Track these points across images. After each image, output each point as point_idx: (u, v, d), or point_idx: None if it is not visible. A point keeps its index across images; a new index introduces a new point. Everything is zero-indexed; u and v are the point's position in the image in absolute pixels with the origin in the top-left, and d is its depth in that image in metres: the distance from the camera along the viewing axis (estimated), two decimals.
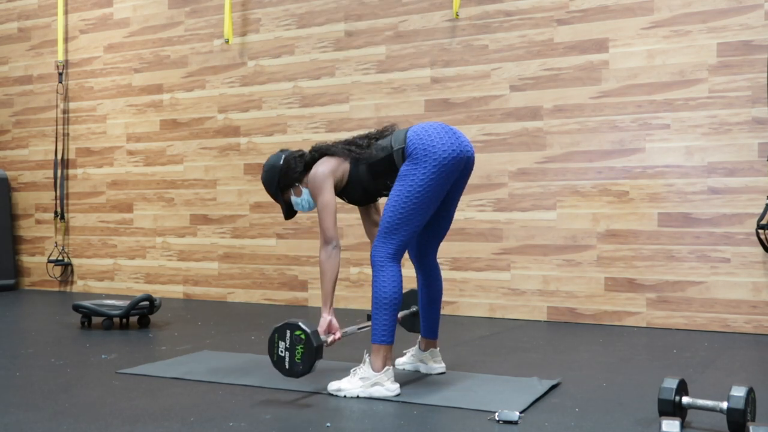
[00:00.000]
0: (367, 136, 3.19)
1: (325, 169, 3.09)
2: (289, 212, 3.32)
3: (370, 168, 3.11)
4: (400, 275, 3.00)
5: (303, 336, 2.83)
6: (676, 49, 4.87)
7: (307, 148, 5.92)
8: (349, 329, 3.25)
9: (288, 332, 2.85)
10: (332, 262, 3.02)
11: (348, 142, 3.18)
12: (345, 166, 3.14)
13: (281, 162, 3.20)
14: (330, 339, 3.03)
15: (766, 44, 4.66)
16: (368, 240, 5.63)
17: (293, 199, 3.26)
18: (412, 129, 3.07)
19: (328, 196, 3.06)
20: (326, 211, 3.05)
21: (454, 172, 3.02)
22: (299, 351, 2.83)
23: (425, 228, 3.27)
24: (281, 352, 2.87)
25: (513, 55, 5.31)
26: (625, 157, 4.99)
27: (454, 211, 3.27)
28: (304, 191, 3.23)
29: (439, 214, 3.24)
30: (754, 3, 4.70)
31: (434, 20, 5.56)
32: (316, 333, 2.85)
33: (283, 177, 3.20)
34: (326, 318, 3.05)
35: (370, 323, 3.37)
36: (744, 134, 4.71)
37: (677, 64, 4.87)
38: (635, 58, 4.97)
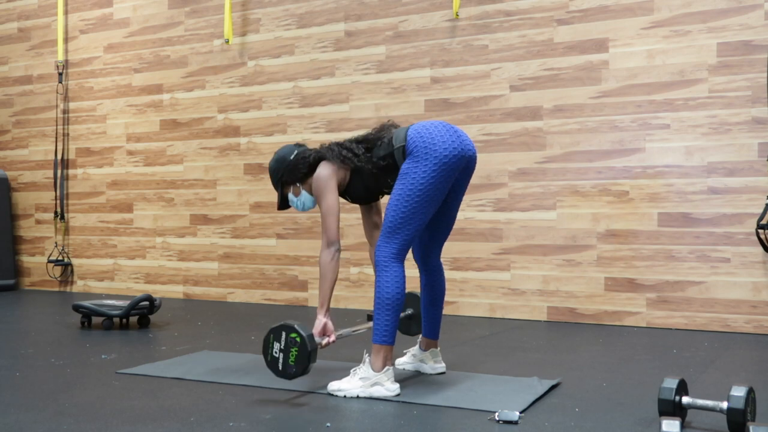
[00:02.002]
0: (366, 139, 3.17)
1: (329, 172, 3.10)
2: (283, 204, 3.34)
3: (372, 167, 3.11)
4: (404, 276, 3.00)
5: (298, 339, 2.83)
6: (676, 49, 4.87)
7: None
8: (344, 331, 3.25)
9: (283, 334, 2.86)
10: (333, 265, 3.03)
11: (346, 148, 3.14)
12: (346, 169, 3.14)
13: (291, 158, 3.21)
14: (324, 341, 3.04)
15: (766, 44, 4.66)
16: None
17: (290, 196, 3.28)
18: (412, 127, 3.07)
19: (332, 199, 3.07)
20: (329, 214, 3.05)
21: (455, 170, 3.02)
22: (293, 353, 2.84)
23: (428, 228, 3.27)
24: (275, 353, 2.88)
25: (513, 55, 5.31)
26: (625, 157, 4.99)
27: (456, 211, 3.27)
28: (303, 193, 3.24)
29: (441, 213, 3.23)
30: (754, 3, 4.70)
31: (434, 20, 5.56)
32: (311, 337, 2.86)
33: (287, 174, 3.22)
34: (321, 320, 3.06)
35: (364, 326, 3.37)
36: (744, 134, 4.71)
37: (677, 64, 4.87)
38: (635, 58, 4.97)
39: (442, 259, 5.38)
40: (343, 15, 5.88)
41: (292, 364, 2.85)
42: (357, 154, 3.12)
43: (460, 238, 5.41)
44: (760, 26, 4.68)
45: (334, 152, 3.13)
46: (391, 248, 3.00)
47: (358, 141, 3.18)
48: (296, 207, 3.30)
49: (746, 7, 4.72)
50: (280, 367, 2.87)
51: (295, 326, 2.84)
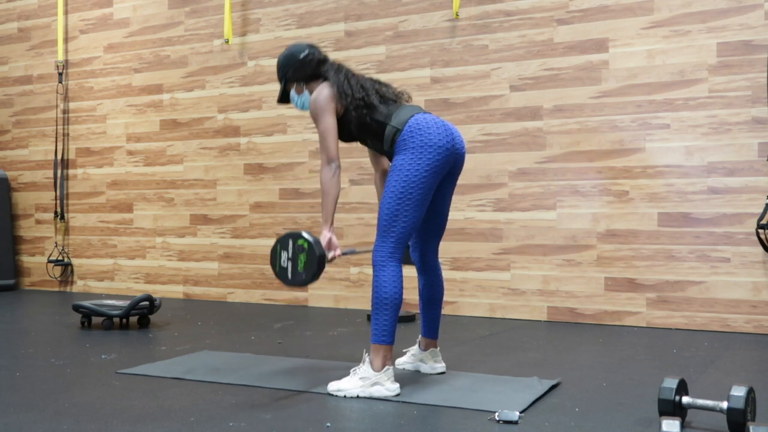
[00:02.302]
0: (373, 91, 3.15)
1: (328, 94, 3.11)
2: (283, 98, 3.35)
3: (363, 118, 3.12)
4: (401, 275, 3.01)
5: (306, 245, 2.82)
6: (676, 49, 4.87)
7: (309, 147, 5.94)
8: (348, 250, 3.25)
9: (291, 241, 2.84)
10: (334, 181, 3.04)
11: (350, 86, 3.13)
12: (342, 103, 3.14)
13: (300, 56, 3.23)
14: (330, 255, 3.02)
15: (766, 44, 4.66)
16: (372, 241, 5.63)
17: (292, 93, 3.30)
18: (414, 117, 3.07)
19: (329, 120, 3.09)
20: (327, 134, 3.08)
21: (446, 167, 3.06)
22: (302, 260, 2.82)
23: (421, 228, 3.28)
24: (284, 262, 2.86)
25: (513, 55, 5.31)
26: (625, 157, 4.99)
27: (447, 209, 3.28)
28: (305, 93, 3.26)
29: (432, 212, 3.25)
30: (754, 3, 4.70)
31: (434, 20, 5.56)
32: (318, 242, 2.85)
33: (294, 70, 3.24)
34: (326, 235, 3.06)
35: (370, 248, 3.33)
36: (744, 134, 4.71)
37: (677, 64, 4.87)
38: (635, 58, 4.97)
39: (441, 259, 5.40)
40: (343, 15, 5.88)
41: (302, 271, 2.83)
42: (355, 97, 3.11)
43: (460, 238, 5.41)
44: (760, 26, 4.68)
45: (339, 81, 3.14)
46: (387, 247, 3.00)
47: (364, 87, 3.15)
48: (296, 105, 3.32)
49: (746, 7, 4.72)
50: (290, 276, 2.85)
51: (302, 233, 2.83)
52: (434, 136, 3.01)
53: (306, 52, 3.24)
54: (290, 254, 2.84)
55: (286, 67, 3.26)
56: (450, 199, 3.28)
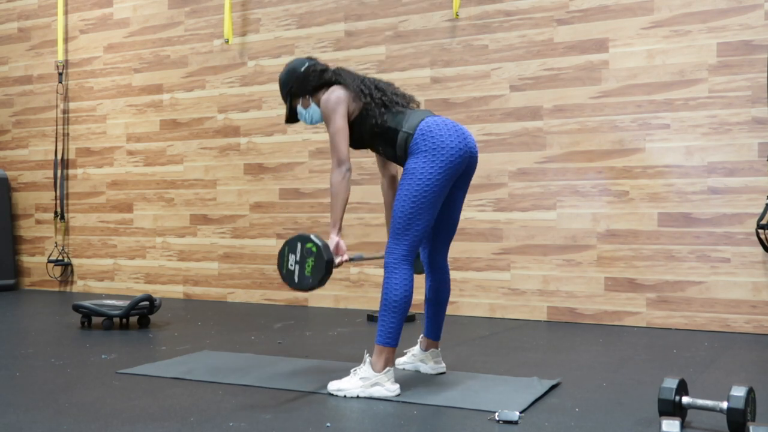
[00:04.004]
0: (386, 93, 3.14)
1: (340, 96, 3.09)
2: (291, 117, 3.34)
3: (374, 125, 3.11)
4: (412, 278, 3.00)
5: (314, 249, 2.79)
6: (676, 49, 4.87)
7: (309, 147, 5.94)
8: (355, 255, 3.22)
9: (299, 245, 2.82)
10: (344, 184, 3.02)
11: (366, 85, 3.13)
12: (358, 104, 3.12)
13: (302, 69, 3.22)
14: (338, 260, 3.00)
15: (766, 44, 4.66)
16: (372, 241, 5.63)
17: (299, 108, 3.29)
18: (425, 121, 3.05)
19: (341, 121, 3.07)
20: (338, 136, 3.06)
21: (459, 169, 3.04)
22: (309, 264, 2.80)
23: (433, 229, 3.27)
24: (291, 265, 2.83)
25: (513, 55, 5.31)
26: (625, 157, 4.99)
27: (459, 210, 3.27)
28: (312, 106, 3.25)
29: (444, 213, 3.24)
30: (754, 3, 4.70)
31: (434, 20, 5.56)
32: (327, 247, 2.82)
33: (297, 84, 3.22)
34: (334, 239, 3.05)
35: (380, 254, 3.32)
36: (744, 134, 4.71)
37: (677, 64, 4.87)
38: (635, 58, 4.97)
39: None
40: (343, 15, 5.88)
41: (309, 275, 2.81)
42: (373, 97, 3.10)
43: (460, 238, 5.41)
44: (760, 26, 4.68)
45: (355, 82, 3.13)
46: (401, 250, 3.00)
47: (378, 88, 3.15)
48: (304, 120, 3.30)
49: (746, 7, 4.72)
50: (296, 279, 2.83)
51: (311, 237, 2.81)
52: (446, 138, 3.00)
53: (307, 64, 3.23)
54: (298, 257, 2.82)
55: (289, 82, 3.24)
56: (462, 201, 3.26)
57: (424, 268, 3.37)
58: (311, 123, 3.31)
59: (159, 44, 6.60)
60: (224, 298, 6.31)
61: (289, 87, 3.25)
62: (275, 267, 6.08)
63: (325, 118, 3.12)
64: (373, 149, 3.22)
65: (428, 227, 3.03)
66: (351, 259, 3.12)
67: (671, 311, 4.85)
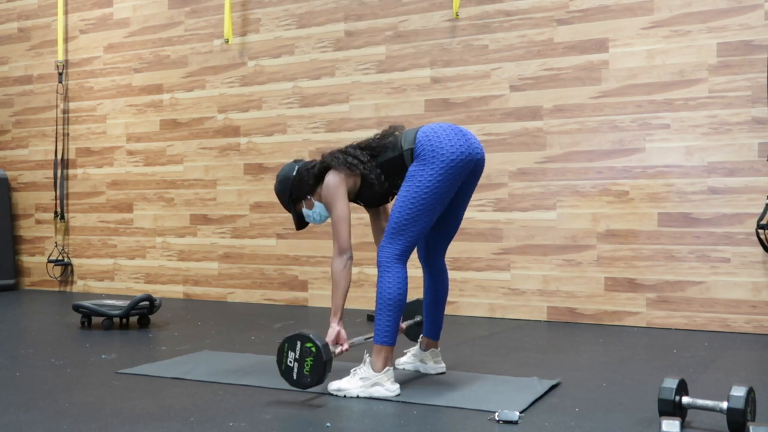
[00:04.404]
0: (369, 146, 3.14)
1: (338, 179, 3.08)
2: (301, 223, 3.33)
3: (381, 170, 3.11)
4: (406, 277, 3.00)
5: (313, 349, 2.82)
6: (676, 49, 4.87)
7: (309, 147, 5.94)
8: (356, 340, 3.26)
9: (298, 343, 2.84)
10: (345, 273, 3.02)
11: (351, 155, 3.12)
12: (355, 177, 3.12)
13: (294, 173, 3.21)
14: (338, 350, 3.03)
15: (766, 44, 4.66)
16: (372, 241, 5.63)
17: (305, 211, 3.27)
18: (422, 129, 3.06)
19: (342, 206, 3.06)
20: (341, 223, 3.04)
21: (463, 173, 3.02)
22: (308, 363, 2.83)
23: (433, 229, 3.27)
24: (290, 362, 2.86)
25: (513, 55, 5.31)
26: (625, 157, 4.99)
27: (462, 213, 3.27)
28: (316, 204, 3.22)
29: (447, 215, 3.23)
30: (754, 3, 4.70)
31: (434, 20, 5.56)
32: (326, 347, 2.84)
33: (295, 189, 3.21)
34: (335, 329, 3.06)
35: None
36: (744, 134, 4.71)
37: (677, 64, 4.87)
38: (635, 58, 4.97)
39: None
40: (343, 15, 5.88)
41: (307, 373, 2.84)
42: (362, 161, 3.10)
43: (460, 238, 5.41)
44: (760, 26, 4.68)
45: (339, 160, 3.11)
46: (394, 249, 3.00)
47: (361, 147, 3.15)
48: (313, 221, 3.29)
49: (746, 7, 4.72)
50: (295, 377, 2.86)
51: (311, 336, 2.82)
52: (445, 143, 2.99)
53: (296, 167, 3.22)
54: (297, 355, 2.84)
55: (286, 191, 3.23)
56: (466, 204, 3.25)
57: (422, 267, 3.37)
58: (321, 222, 3.29)
59: (159, 44, 6.60)
60: (224, 298, 6.31)
61: (288, 194, 3.23)
62: (275, 267, 6.08)
63: (327, 205, 3.11)
64: (393, 193, 3.20)
65: (425, 230, 3.02)
66: (351, 345, 3.14)
67: (671, 311, 4.85)
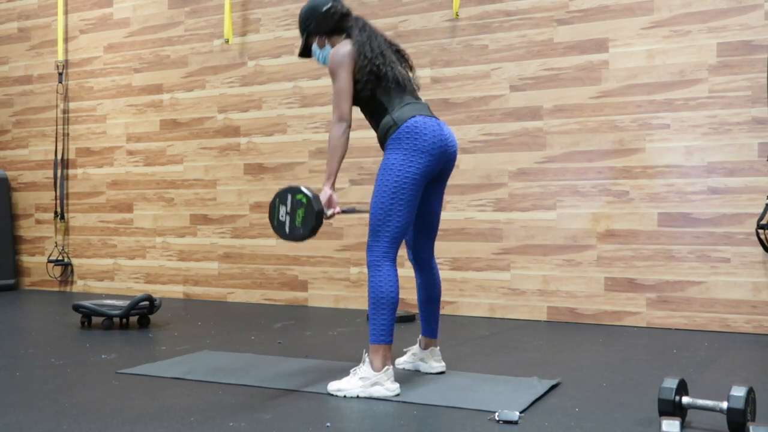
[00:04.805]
0: (394, 69, 3.10)
1: (347, 52, 3.08)
2: (305, 53, 3.33)
3: (360, 90, 3.08)
4: (396, 274, 3.00)
5: (304, 200, 2.81)
6: (676, 49, 4.87)
7: (309, 147, 5.93)
8: (347, 207, 3.22)
9: (289, 196, 2.84)
10: (343, 139, 3.02)
11: (374, 50, 3.08)
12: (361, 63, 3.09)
13: (323, 9, 3.19)
14: (330, 212, 3.02)
15: (766, 44, 4.66)
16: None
17: (314, 47, 3.28)
18: (414, 119, 3.04)
19: (345, 79, 3.05)
20: (341, 95, 3.05)
21: (437, 167, 3.06)
22: (300, 215, 2.82)
23: (414, 228, 3.27)
24: (282, 216, 2.85)
25: (513, 55, 5.31)
26: (625, 157, 4.99)
27: (439, 207, 3.28)
28: (327, 47, 3.23)
29: (424, 212, 3.25)
30: (754, 3, 4.70)
31: (434, 20, 5.56)
32: (317, 197, 2.84)
33: (316, 23, 3.21)
34: (327, 192, 3.06)
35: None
36: (744, 134, 4.71)
37: (677, 64, 4.87)
38: (635, 58, 4.97)
39: (442, 259, 5.40)
40: None
41: (299, 225, 2.82)
42: (373, 62, 3.06)
43: (460, 238, 5.41)
44: (760, 26, 4.68)
45: (361, 40, 3.10)
46: (380, 247, 3.00)
47: (383, 54, 3.09)
48: (317, 59, 3.29)
49: (746, 7, 4.72)
50: (287, 230, 2.85)
51: (301, 188, 2.83)
52: (428, 142, 3.01)
53: (329, 4, 3.20)
54: (288, 209, 2.84)
55: (309, 19, 3.23)
56: (441, 198, 3.27)
57: (413, 267, 3.36)
58: (323, 63, 3.28)
59: (159, 44, 6.60)
60: (224, 298, 6.31)
61: (307, 23, 3.23)
62: (275, 267, 6.08)
63: (331, 73, 3.10)
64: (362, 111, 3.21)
65: (407, 223, 3.02)
66: (343, 211, 3.13)
67: (671, 311, 4.85)
